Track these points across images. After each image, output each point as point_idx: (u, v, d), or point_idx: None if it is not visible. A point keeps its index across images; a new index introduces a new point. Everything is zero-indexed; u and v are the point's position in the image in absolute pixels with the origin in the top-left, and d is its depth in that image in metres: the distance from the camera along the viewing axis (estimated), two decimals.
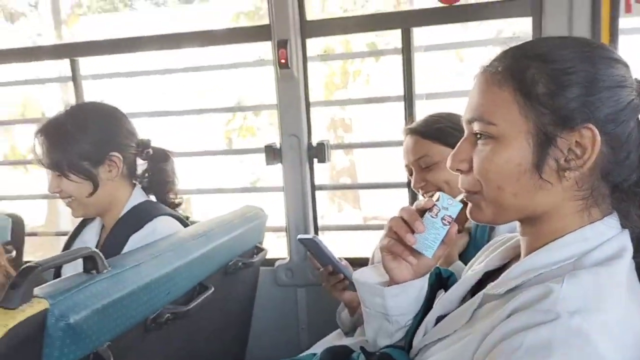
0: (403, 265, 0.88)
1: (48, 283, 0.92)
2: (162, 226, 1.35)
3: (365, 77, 6.57)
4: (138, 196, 1.41)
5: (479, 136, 0.76)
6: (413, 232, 0.84)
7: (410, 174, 1.38)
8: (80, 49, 2.03)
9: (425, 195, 1.34)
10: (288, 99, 1.85)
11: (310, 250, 1.42)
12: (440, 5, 1.71)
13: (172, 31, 1.90)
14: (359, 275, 0.94)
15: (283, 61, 1.76)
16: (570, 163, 0.71)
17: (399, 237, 0.85)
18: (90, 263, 0.99)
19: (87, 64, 2.12)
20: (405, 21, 1.78)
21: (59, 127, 1.32)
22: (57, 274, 1.37)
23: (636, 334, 0.67)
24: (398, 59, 1.83)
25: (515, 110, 0.72)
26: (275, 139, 1.92)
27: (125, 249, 1.30)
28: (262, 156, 1.89)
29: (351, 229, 2.73)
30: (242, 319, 1.79)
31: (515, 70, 0.73)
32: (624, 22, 1.54)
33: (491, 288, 0.77)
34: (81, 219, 1.50)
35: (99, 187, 1.33)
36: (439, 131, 1.32)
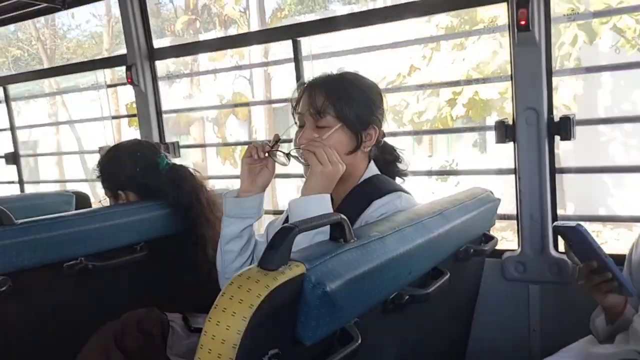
0: None
1: (301, 248, 0.86)
2: (405, 198, 1.29)
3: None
4: (373, 169, 1.36)
5: None
6: None
7: None
8: (303, 28, 2.06)
9: None
10: (526, 67, 1.61)
11: (570, 241, 1.20)
12: None
13: None
14: None
15: (523, 23, 1.53)
16: None
17: None
18: (338, 231, 0.92)
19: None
20: None
21: (337, 82, 1.30)
22: None
23: None
24: None
25: None
26: None
27: (367, 213, 1.26)
28: None
29: (598, 220, 2.36)
30: (466, 312, 1.63)
31: None
32: None
33: None
34: None
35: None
36: None
